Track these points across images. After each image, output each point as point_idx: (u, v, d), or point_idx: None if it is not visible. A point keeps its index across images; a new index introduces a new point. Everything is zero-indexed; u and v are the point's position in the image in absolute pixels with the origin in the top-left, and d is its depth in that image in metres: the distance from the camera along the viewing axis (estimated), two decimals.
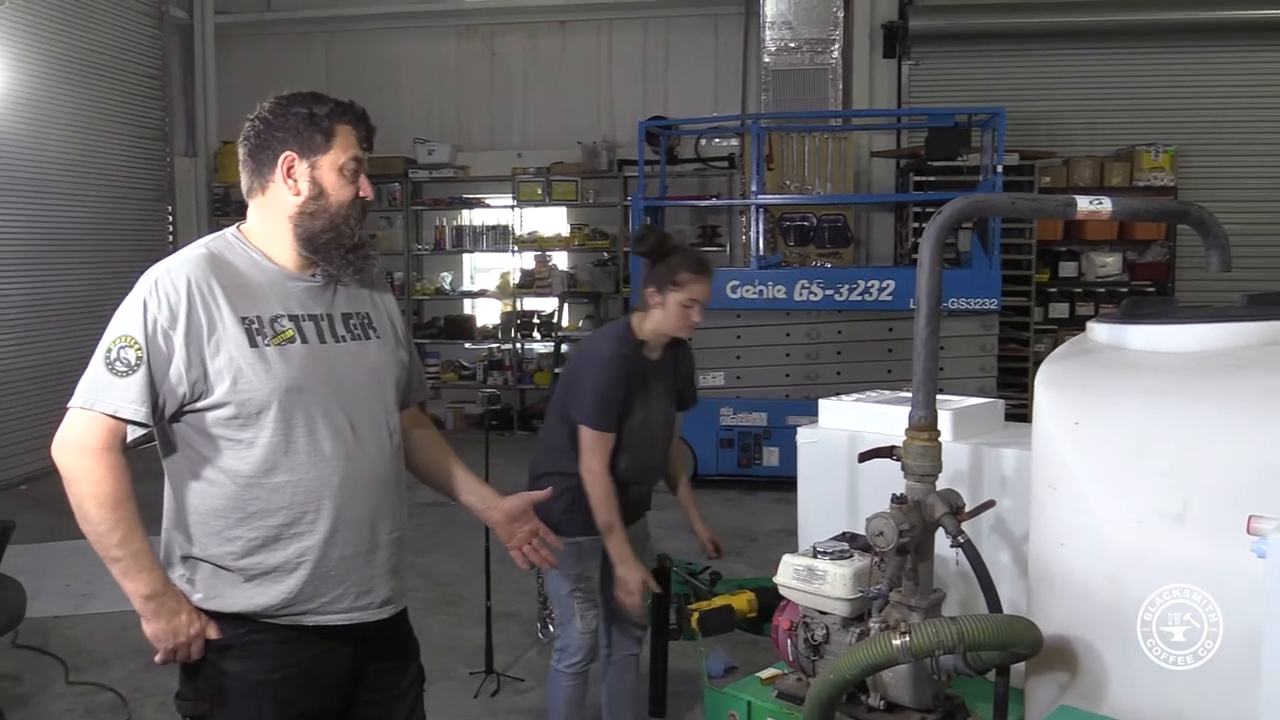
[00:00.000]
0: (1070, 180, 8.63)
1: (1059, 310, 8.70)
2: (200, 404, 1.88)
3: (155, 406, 1.86)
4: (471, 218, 10.40)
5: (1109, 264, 8.74)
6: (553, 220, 10.20)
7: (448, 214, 10.31)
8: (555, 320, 9.91)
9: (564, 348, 9.36)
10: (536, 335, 10.10)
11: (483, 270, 10.78)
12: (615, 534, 2.91)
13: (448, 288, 10.37)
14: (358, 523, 1.99)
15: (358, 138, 2.00)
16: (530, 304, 10.25)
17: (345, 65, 10.23)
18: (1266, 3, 8.74)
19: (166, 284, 1.87)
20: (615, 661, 3.25)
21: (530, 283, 9.97)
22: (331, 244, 1.98)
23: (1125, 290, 8.62)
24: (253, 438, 1.89)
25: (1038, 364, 2.35)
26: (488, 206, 10.18)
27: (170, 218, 9.92)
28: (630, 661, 3.25)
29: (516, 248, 9.97)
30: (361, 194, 2.01)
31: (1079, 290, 8.76)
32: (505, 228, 10.03)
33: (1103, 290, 8.71)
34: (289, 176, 1.96)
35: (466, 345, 10.34)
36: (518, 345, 10.09)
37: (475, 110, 10.35)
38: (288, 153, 1.95)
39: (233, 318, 1.89)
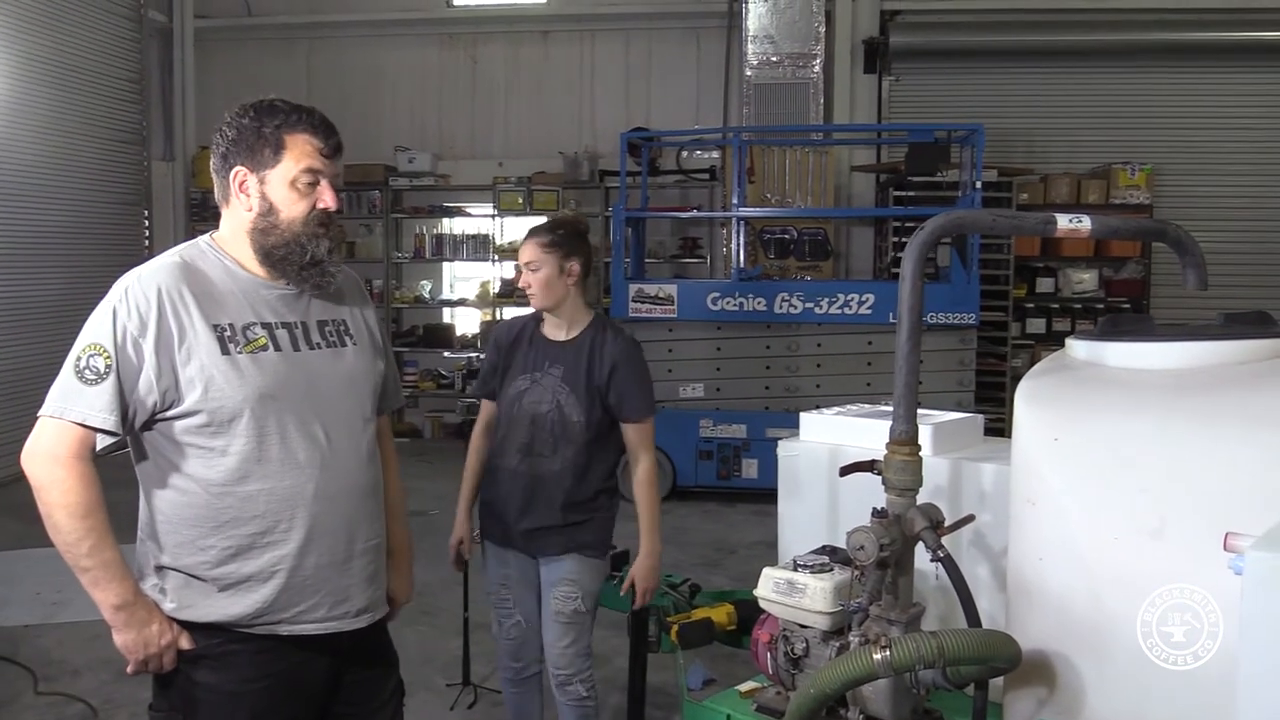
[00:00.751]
0: (1047, 197, 8.69)
1: (1036, 325, 8.74)
2: (171, 412, 1.86)
3: (125, 415, 1.84)
4: (452, 226, 10.37)
5: (1085, 280, 8.80)
6: None
7: (428, 222, 10.27)
8: None
9: None
10: None
11: (462, 279, 10.74)
12: (460, 498, 3.14)
13: (427, 296, 10.33)
14: (333, 531, 1.97)
15: (315, 147, 1.93)
16: (510, 313, 10.20)
17: (326, 72, 10.18)
18: (1240, 26, 8.87)
19: (136, 292, 1.85)
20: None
21: (510, 292, 9.92)
22: (286, 259, 1.94)
23: (1101, 306, 8.69)
24: (225, 446, 1.88)
25: (1015, 379, 2.36)
26: (468, 215, 10.15)
27: (146, 222, 9.83)
28: (570, 710, 3.02)
29: (497, 257, 9.94)
30: (320, 205, 1.94)
31: (1056, 306, 8.81)
32: (485, 237, 10.01)
33: (1079, 306, 8.76)
34: (240, 191, 1.93)
35: (445, 354, 10.30)
36: None
37: (457, 119, 10.32)
38: (238, 168, 1.92)
39: (204, 325, 1.87)
